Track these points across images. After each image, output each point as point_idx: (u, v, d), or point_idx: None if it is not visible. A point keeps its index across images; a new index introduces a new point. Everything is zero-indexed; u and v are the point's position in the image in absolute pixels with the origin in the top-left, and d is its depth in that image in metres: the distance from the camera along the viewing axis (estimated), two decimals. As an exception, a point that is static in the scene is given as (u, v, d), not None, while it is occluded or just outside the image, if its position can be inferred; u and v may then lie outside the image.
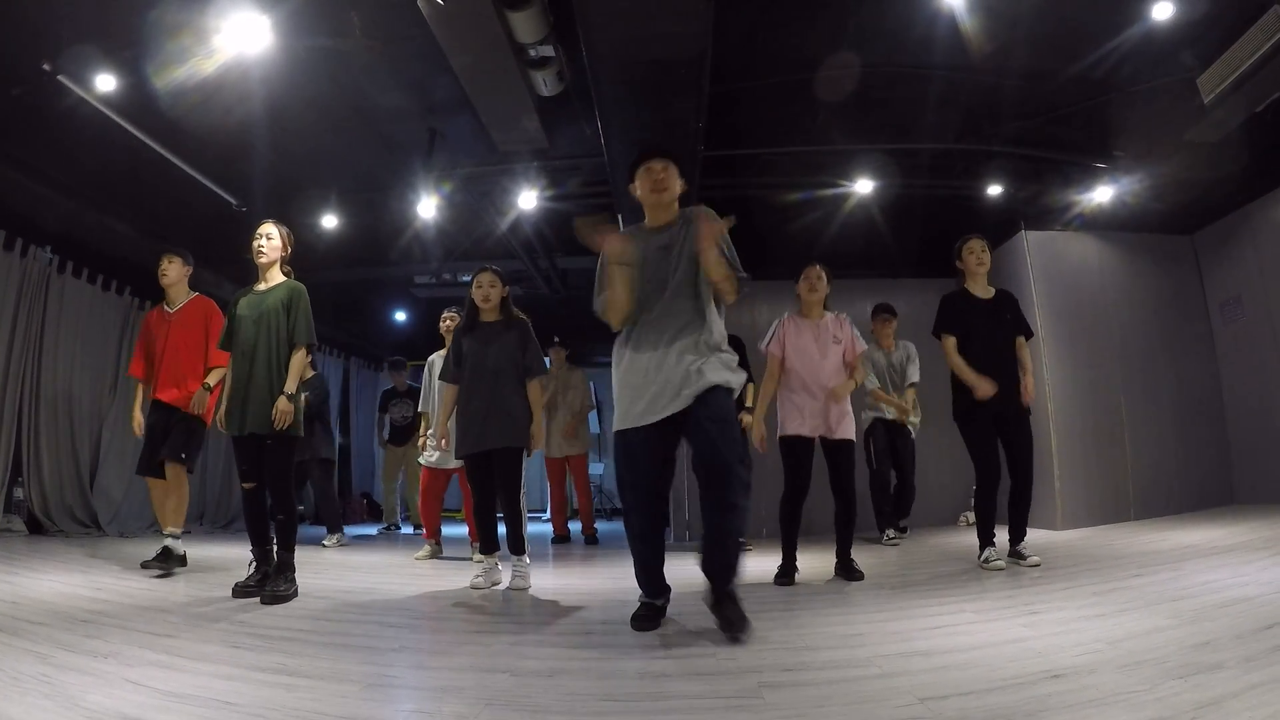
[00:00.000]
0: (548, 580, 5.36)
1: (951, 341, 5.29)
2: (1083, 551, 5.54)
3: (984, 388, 5.05)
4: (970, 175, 8.01)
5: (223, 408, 4.61)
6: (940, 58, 6.13)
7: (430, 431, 6.41)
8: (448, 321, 6.68)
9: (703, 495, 3.49)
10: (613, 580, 5.15)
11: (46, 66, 5.86)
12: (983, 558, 5.12)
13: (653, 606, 3.64)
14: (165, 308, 5.81)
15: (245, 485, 4.53)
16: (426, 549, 6.69)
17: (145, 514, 8.66)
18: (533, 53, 5.85)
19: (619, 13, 5.01)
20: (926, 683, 2.44)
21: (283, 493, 4.50)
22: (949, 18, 5.59)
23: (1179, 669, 2.41)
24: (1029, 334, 5.43)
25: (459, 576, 5.24)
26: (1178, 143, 6.78)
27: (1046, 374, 7.54)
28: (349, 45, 5.92)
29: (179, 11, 5.47)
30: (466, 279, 11.28)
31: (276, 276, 4.68)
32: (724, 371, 3.56)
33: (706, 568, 3.48)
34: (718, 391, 3.51)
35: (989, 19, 5.59)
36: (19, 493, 7.59)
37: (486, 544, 5.05)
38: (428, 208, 8.12)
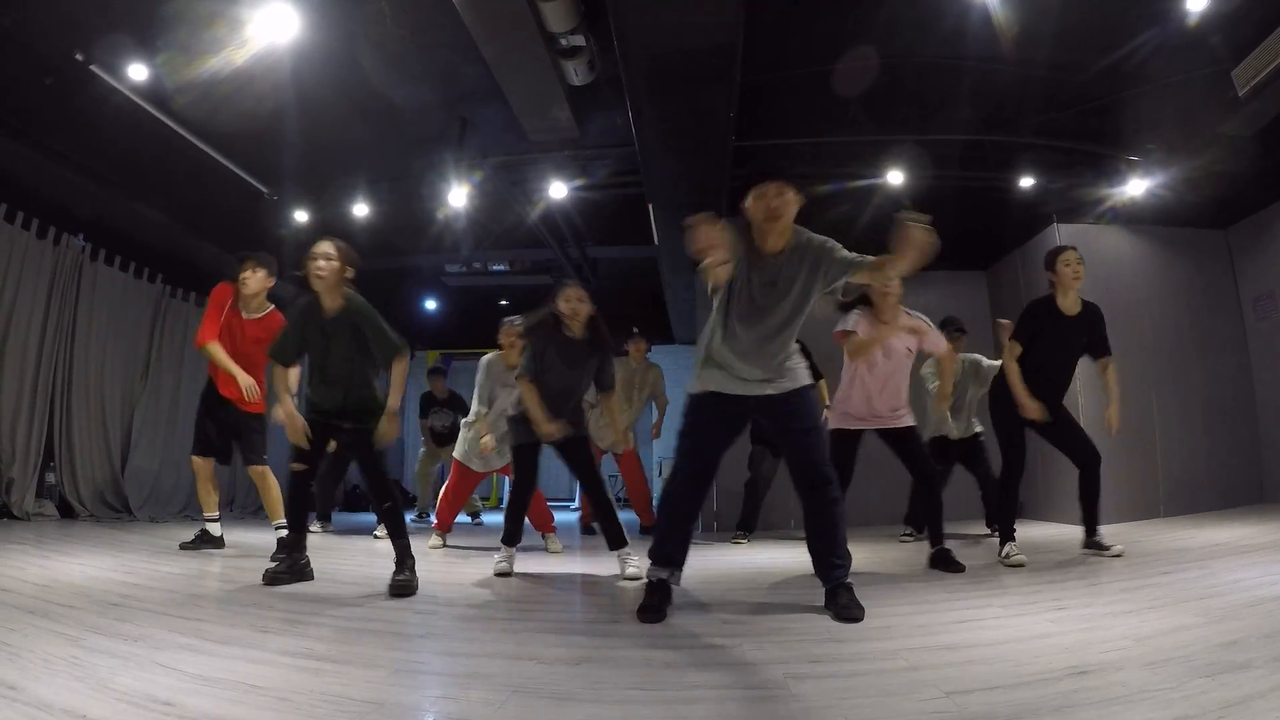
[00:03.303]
0: (576, 568, 5.38)
1: (1016, 350, 5.23)
2: (1110, 548, 5.50)
3: (1031, 409, 5.07)
4: (1002, 167, 7.95)
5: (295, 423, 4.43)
6: (972, 49, 6.09)
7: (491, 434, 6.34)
8: (512, 338, 6.32)
9: (805, 499, 3.79)
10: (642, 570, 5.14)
11: (79, 56, 5.92)
12: (1004, 553, 5.08)
13: (661, 587, 3.66)
14: (240, 309, 5.72)
15: (295, 467, 4.37)
16: (438, 539, 6.72)
17: (176, 499, 8.78)
18: (564, 42, 5.86)
19: (650, 1, 5.00)
20: (952, 676, 2.44)
21: (379, 481, 4.44)
22: (981, 9, 5.56)
23: (1206, 667, 2.38)
24: (1107, 352, 5.40)
25: (486, 564, 5.26)
26: (1211, 136, 6.70)
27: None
28: (379, 34, 5.94)
29: (210, 1, 5.52)
30: (497, 268, 11.38)
31: (337, 300, 4.37)
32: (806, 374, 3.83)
33: (820, 566, 3.74)
34: (805, 394, 3.77)
35: (1021, 10, 5.55)
36: (51, 477, 7.69)
37: (512, 536, 5.04)
38: (458, 196, 8.15)
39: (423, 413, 10.17)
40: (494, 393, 6.36)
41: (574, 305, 4.86)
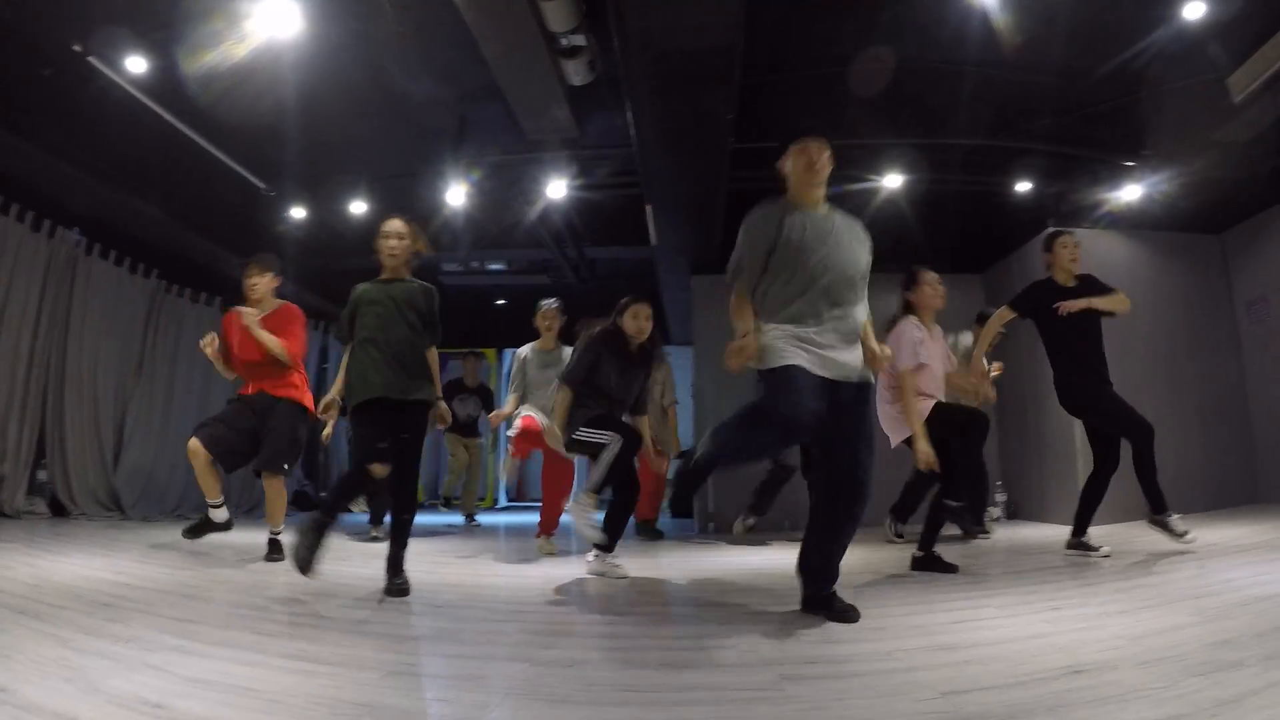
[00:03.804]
0: (570, 570, 5.37)
1: (1007, 315, 5.41)
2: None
3: (977, 374, 5.48)
4: (1000, 171, 7.97)
5: (335, 393, 4.44)
6: (971, 53, 6.09)
7: (520, 410, 6.23)
8: (548, 320, 6.40)
9: (830, 503, 3.56)
10: (637, 569, 5.15)
11: (77, 48, 5.90)
12: (1182, 532, 5.14)
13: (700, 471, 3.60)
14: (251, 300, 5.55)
15: (376, 468, 4.08)
16: (548, 542, 6.25)
17: (169, 497, 8.75)
18: (564, 41, 5.86)
19: (651, 2, 5.00)
20: (948, 676, 2.44)
21: (409, 489, 4.27)
22: (980, 14, 5.56)
23: (1200, 666, 2.39)
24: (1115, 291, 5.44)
25: (481, 566, 5.26)
26: (1207, 142, 6.72)
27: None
28: (381, 31, 5.93)
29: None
30: (494, 267, 11.33)
31: (403, 275, 4.34)
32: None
33: (812, 579, 3.55)
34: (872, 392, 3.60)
35: (1020, 15, 5.56)
36: (42, 475, 7.66)
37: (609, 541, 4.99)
38: (456, 195, 8.15)
39: (445, 397, 9.94)
40: (529, 382, 6.32)
41: (641, 324, 4.95)
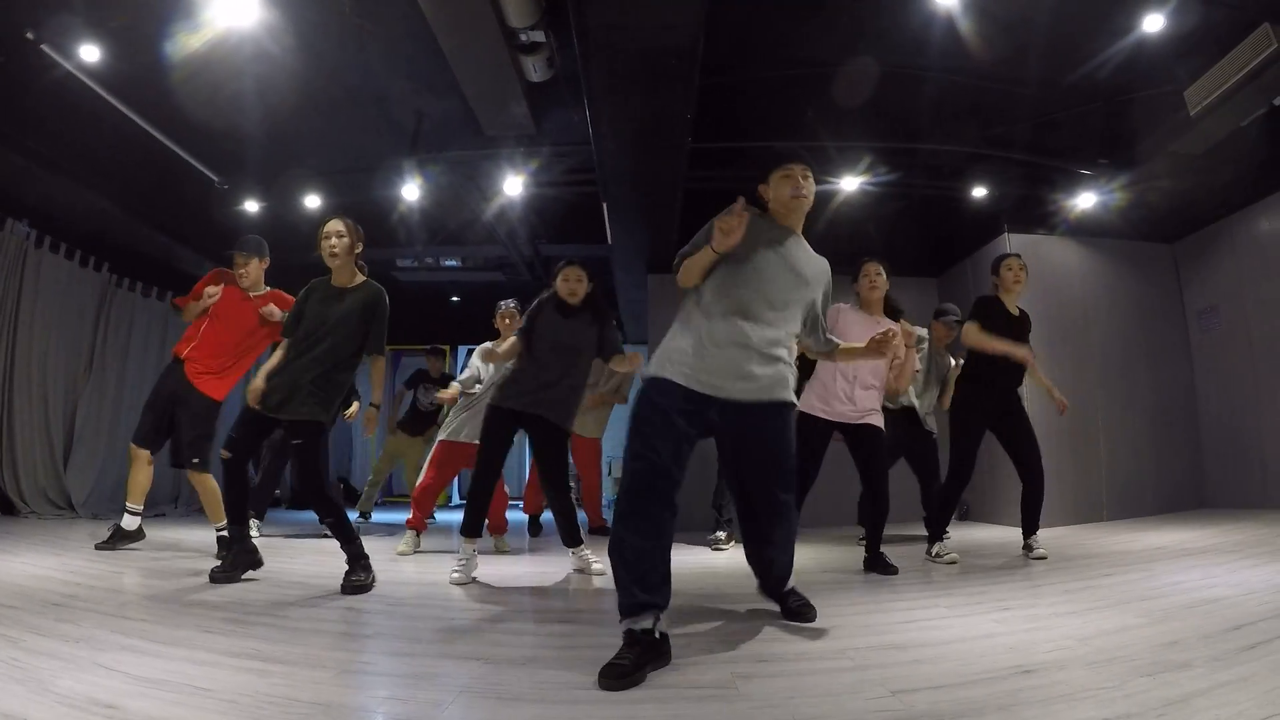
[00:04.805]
0: (524, 568, 5.36)
1: (976, 327, 5.40)
2: (1055, 550, 5.56)
3: (1021, 353, 5.37)
4: (957, 176, 8.04)
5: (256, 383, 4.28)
6: (932, 60, 6.14)
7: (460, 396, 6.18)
8: (507, 320, 6.20)
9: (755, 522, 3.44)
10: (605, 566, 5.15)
11: (29, 35, 5.78)
12: (934, 551, 5.33)
13: (642, 639, 2.68)
14: (242, 288, 5.51)
15: (223, 454, 4.23)
16: (412, 540, 6.14)
17: (120, 495, 8.57)
18: (524, 37, 5.84)
19: (613, 0, 5.00)
20: (898, 675, 2.46)
21: (319, 494, 4.27)
22: (942, 21, 5.62)
23: (1147, 667, 2.44)
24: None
25: (435, 564, 5.23)
26: (1163, 153, 6.83)
27: (1026, 376, 7.58)
28: (338, 23, 5.87)
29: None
30: (449, 263, 11.22)
31: (353, 275, 4.43)
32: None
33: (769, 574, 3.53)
34: (786, 410, 3.32)
35: (981, 22, 5.62)
36: (-10, 473, 7.51)
37: (473, 527, 4.77)
38: (412, 191, 8.09)
39: (410, 383, 9.83)
40: (482, 376, 6.23)
41: (572, 285, 4.90)
